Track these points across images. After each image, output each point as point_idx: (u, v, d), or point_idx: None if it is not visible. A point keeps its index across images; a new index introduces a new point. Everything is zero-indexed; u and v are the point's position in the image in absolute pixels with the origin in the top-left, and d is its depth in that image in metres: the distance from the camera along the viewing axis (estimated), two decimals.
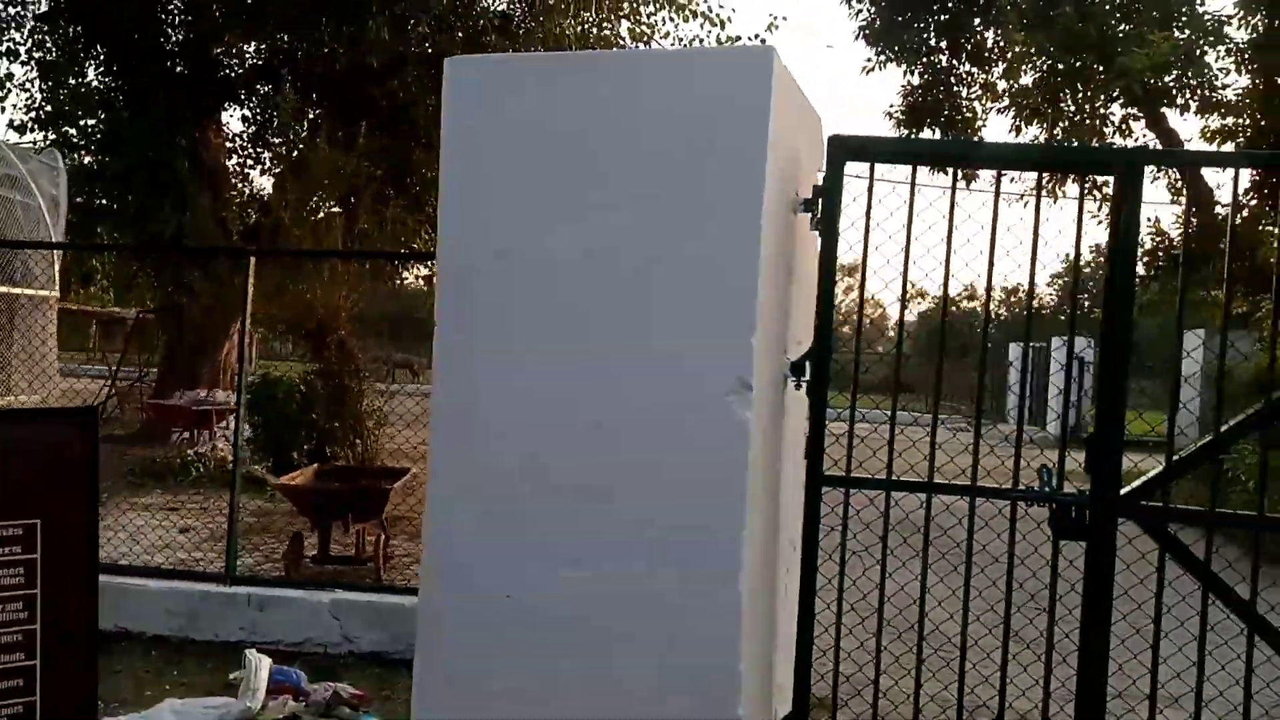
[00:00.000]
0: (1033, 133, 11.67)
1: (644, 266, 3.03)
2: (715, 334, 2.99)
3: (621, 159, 3.04)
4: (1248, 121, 11.54)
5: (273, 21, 13.35)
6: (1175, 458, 3.27)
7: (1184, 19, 10.40)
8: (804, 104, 3.50)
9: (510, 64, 3.16)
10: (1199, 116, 11.71)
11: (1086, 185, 9.76)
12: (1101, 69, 10.17)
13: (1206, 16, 10.65)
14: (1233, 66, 10.85)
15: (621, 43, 15.33)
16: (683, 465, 3.01)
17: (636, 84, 3.05)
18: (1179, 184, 12.43)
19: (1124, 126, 11.85)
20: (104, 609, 5.24)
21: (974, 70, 12.25)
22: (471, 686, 3.11)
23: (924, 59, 12.04)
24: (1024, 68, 11.35)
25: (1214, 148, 11.57)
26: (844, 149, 3.37)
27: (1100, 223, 11.94)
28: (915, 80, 12.27)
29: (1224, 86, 11.40)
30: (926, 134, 12.48)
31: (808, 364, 3.44)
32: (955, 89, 12.41)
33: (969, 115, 12.44)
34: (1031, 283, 3.42)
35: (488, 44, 13.27)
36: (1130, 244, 3.23)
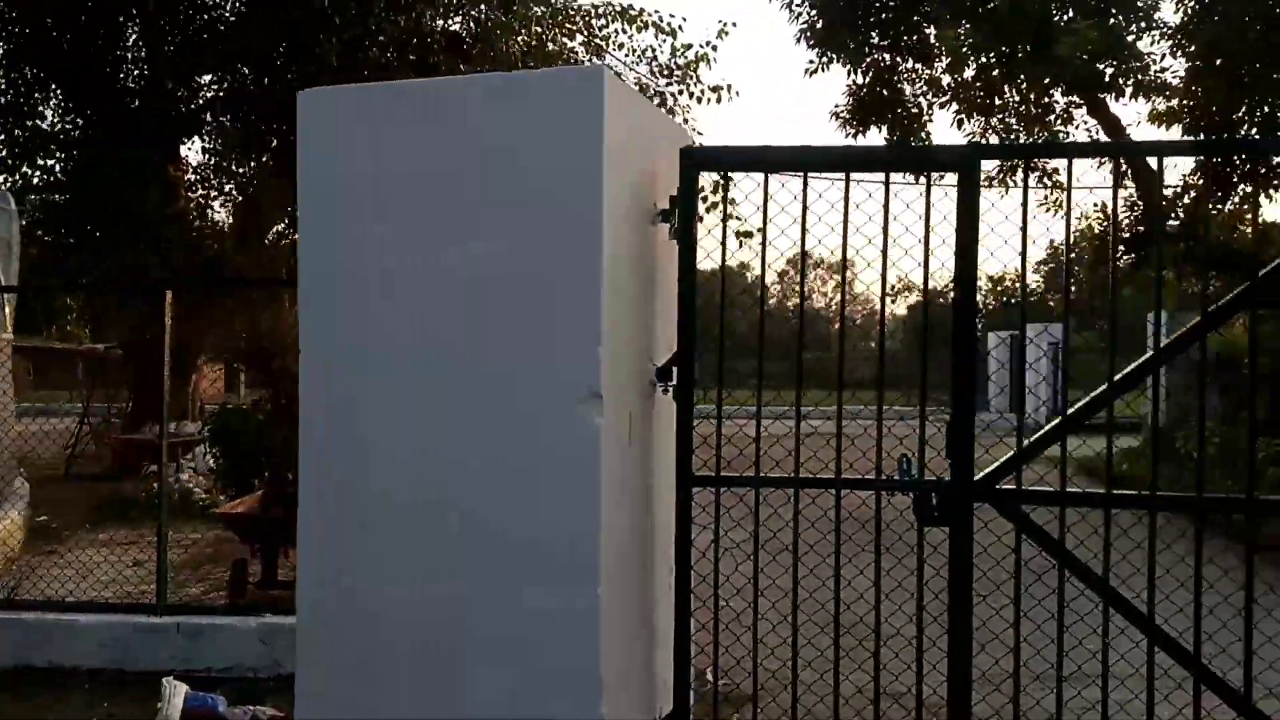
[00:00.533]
0: (973, 126, 11.83)
1: (492, 284, 3.13)
2: (563, 346, 3.08)
3: (466, 180, 3.14)
4: (1190, 104, 11.66)
5: (230, 54, 13.51)
6: (1047, 438, 3.36)
7: (1115, 6, 10.54)
8: (658, 118, 3.61)
9: (356, 94, 3.26)
10: (1141, 100, 11.84)
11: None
12: (1035, 59, 10.30)
13: (1138, 2, 10.80)
14: (1168, 50, 11.00)
15: (574, 56, 15.47)
16: (539, 476, 3.10)
17: (475, 108, 3.15)
18: (1125, 169, 12.58)
19: (1066, 115, 12.00)
20: (34, 646, 5.38)
21: (918, 66, 12.39)
22: (346, 703, 3.20)
23: (867, 58, 12.17)
24: (966, 62, 11.47)
25: (1159, 130, 11.72)
26: (694, 160, 3.48)
27: (1049, 211, 12.07)
28: (860, 80, 12.41)
29: (1162, 70, 11.53)
30: (874, 133, 12.65)
31: (674, 369, 3.55)
32: (899, 86, 12.54)
33: (914, 111, 12.56)
34: (885, 277, 3.52)
35: (437, 65, 13.40)
36: (971, 239, 3.33)
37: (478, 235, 3.13)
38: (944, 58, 11.84)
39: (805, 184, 3.50)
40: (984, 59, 11.18)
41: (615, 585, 3.19)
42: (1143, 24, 10.70)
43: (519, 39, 14.32)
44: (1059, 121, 12.00)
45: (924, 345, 3.49)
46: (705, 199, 9.33)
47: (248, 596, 6.31)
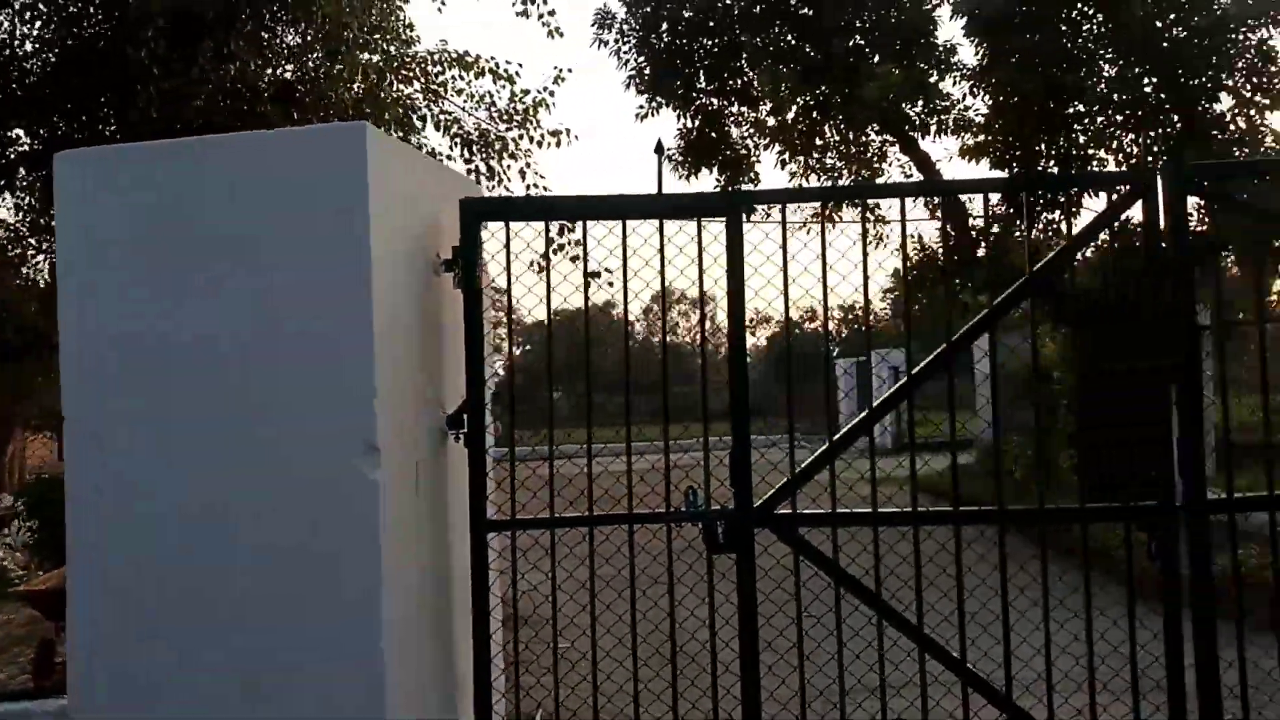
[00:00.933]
0: (795, 166, 12.39)
1: (266, 341, 3.12)
2: (338, 401, 3.09)
3: (231, 239, 3.12)
4: (993, 139, 12.49)
5: (45, 105, 12.86)
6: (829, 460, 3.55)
7: (917, 50, 11.26)
8: (440, 172, 3.68)
9: (114, 154, 3.22)
10: (949, 138, 12.64)
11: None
12: (847, 101, 10.90)
13: (939, 47, 11.58)
14: (968, 90, 11.81)
15: (411, 103, 15.43)
16: (320, 532, 3.08)
17: (237, 166, 3.15)
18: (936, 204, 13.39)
19: (881, 153, 12.71)
20: None
21: (743, 110, 12.90)
22: None
23: (694, 103, 12.60)
24: (787, 104, 12.02)
25: (969, 164, 12.53)
26: (475, 211, 3.56)
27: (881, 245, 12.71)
28: (689, 124, 12.83)
29: (965, 109, 12.37)
30: (705, 174, 13.08)
31: (465, 416, 3.59)
32: (726, 129, 13.02)
33: (742, 153, 13.07)
34: (665, 316, 3.67)
35: (266, 115, 13.13)
36: (738, 283, 3.52)
37: (249, 293, 3.11)
38: (766, 101, 12.35)
39: (584, 232, 3.63)
40: (802, 101, 11.73)
41: (406, 635, 3.19)
42: (943, 66, 11.47)
43: (353, 87, 14.20)
44: (875, 159, 12.71)
45: (703, 380, 3.65)
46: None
47: (54, 677, 5.94)
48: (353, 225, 3.06)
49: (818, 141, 12.45)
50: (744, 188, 13.22)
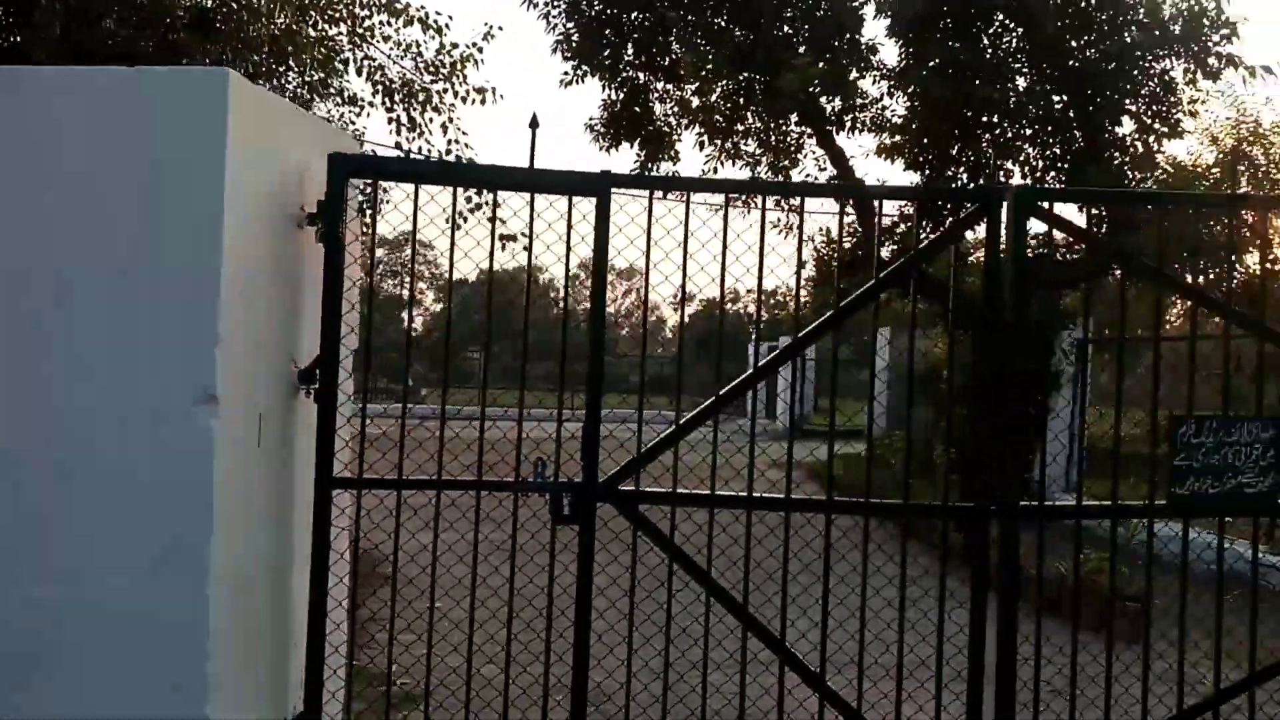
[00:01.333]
0: (713, 150, 12.50)
1: (114, 282, 3.08)
2: (179, 347, 3.07)
3: (84, 175, 3.07)
4: (909, 141, 12.74)
5: None
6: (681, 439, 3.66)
7: (839, 46, 11.43)
8: (310, 124, 3.66)
9: None
10: (867, 135, 12.88)
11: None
12: (768, 89, 11.01)
13: (861, 45, 11.78)
14: (886, 90, 12.06)
15: (334, 45, 15.06)
16: (154, 478, 3.07)
17: (97, 99, 3.10)
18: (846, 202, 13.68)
19: (799, 144, 12.91)
20: None
21: (669, 87, 12.94)
22: None
23: (621, 74, 12.59)
24: (712, 85, 12.09)
25: (885, 163, 12.79)
26: (344, 167, 3.55)
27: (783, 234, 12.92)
28: (614, 95, 12.81)
29: (884, 109, 12.61)
30: (626, 148, 13.11)
31: (317, 372, 3.60)
32: (651, 105, 13.05)
33: (665, 131, 13.13)
34: (529, 289, 3.73)
35: (178, 43, 12.69)
36: (602, 260, 3.59)
37: (98, 233, 3.07)
38: (692, 81, 12.39)
39: (455, 198, 3.66)
40: (725, 85, 11.82)
41: (237, 587, 3.21)
42: (864, 64, 11.67)
43: (276, 21, 13.79)
44: (794, 149, 12.90)
45: (563, 355, 3.71)
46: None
47: None
48: (208, 170, 3.04)
49: (739, 127, 12.57)
50: (663, 166, 13.30)
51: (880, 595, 3.77)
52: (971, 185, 10.98)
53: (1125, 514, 3.86)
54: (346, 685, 3.69)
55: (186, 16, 13.38)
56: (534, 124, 14.17)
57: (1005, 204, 3.67)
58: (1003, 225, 3.67)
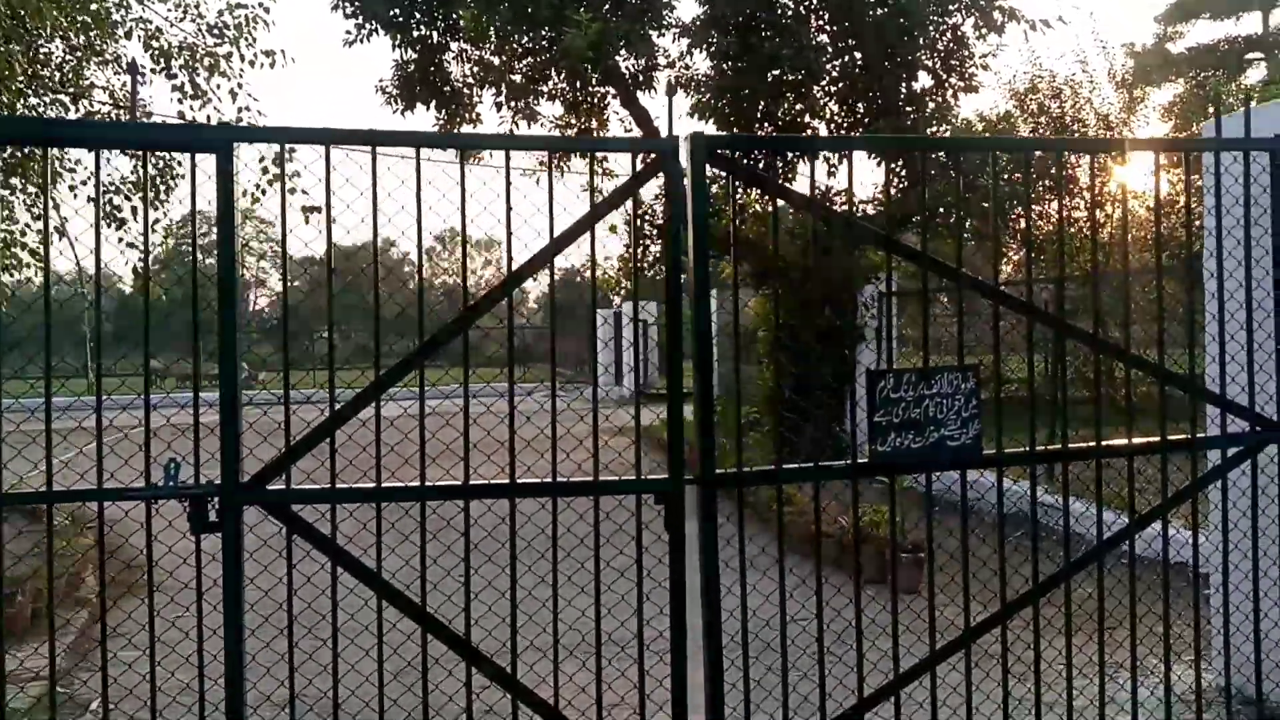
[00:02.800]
0: (510, 112, 11.98)
1: None
2: None
3: None
4: (721, 101, 12.53)
5: None
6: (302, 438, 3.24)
7: (630, 1, 11.06)
8: None
9: None
10: (680, 96, 12.64)
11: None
12: (552, 47, 10.57)
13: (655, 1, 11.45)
14: (685, 49, 11.79)
15: (104, 8, 13.79)
16: None
17: None
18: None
19: (602, 104, 12.53)
20: None
21: (467, 47, 12.33)
22: None
23: (413, 33, 11.90)
24: (505, 44, 11.56)
25: (699, 122, 12.57)
26: None
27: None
28: (406, 55, 12.10)
29: (686, 68, 12.38)
30: (421, 110, 12.43)
31: None
32: (447, 66, 12.41)
33: (464, 91, 12.52)
34: (193, 246, 3.23)
35: None
36: (229, 220, 3.13)
37: None
38: (484, 41, 11.82)
39: (97, 162, 3.12)
40: (516, 45, 11.31)
41: None
42: (656, 22, 11.34)
43: None
44: (597, 109, 12.51)
45: (195, 334, 3.24)
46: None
47: None
48: None
49: (543, 89, 12.08)
50: (464, 128, 12.70)
51: (625, 578, 3.47)
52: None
53: (827, 475, 3.67)
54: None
55: None
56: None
57: (687, 153, 3.40)
58: (686, 179, 3.40)
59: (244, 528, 3.20)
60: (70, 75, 12.66)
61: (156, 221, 10.76)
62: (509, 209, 3.30)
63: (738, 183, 3.77)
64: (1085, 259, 13.10)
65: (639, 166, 3.41)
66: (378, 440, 3.28)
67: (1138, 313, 7.92)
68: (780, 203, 4.52)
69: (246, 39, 14.65)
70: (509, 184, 3.32)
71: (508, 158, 3.34)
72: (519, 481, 3.33)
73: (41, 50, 12.28)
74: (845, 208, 12.75)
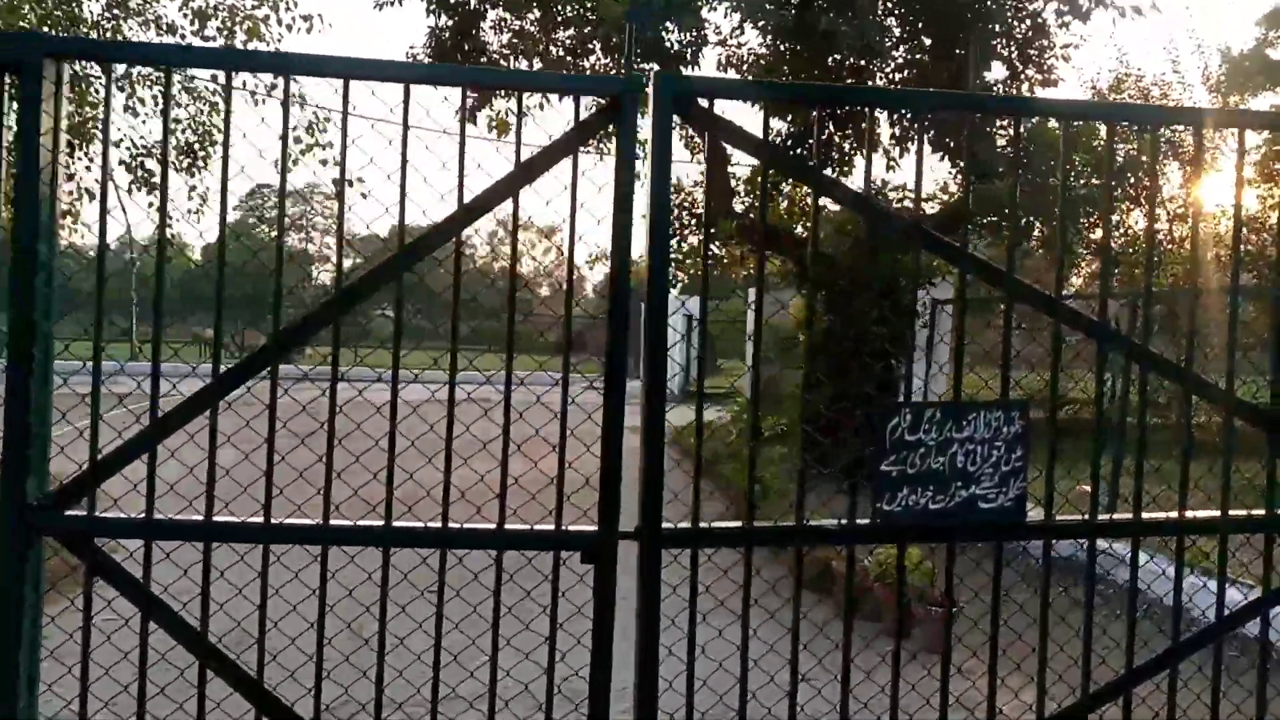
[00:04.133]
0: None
1: None
2: None
3: None
4: (770, 78, 11.63)
5: None
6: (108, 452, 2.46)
7: None
8: None
9: None
10: (731, 72, 11.76)
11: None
12: (591, 14, 9.79)
13: None
14: (737, 25, 10.90)
15: None
16: None
17: None
18: (694, 141, 12.53)
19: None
20: None
21: (506, 16, 11.58)
22: None
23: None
24: (551, 13, 10.81)
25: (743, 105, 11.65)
26: None
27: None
28: (441, 22, 11.38)
29: (740, 45, 11.50)
30: None
31: None
32: (481, 35, 11.66)
33: (498, 61, 11.74)
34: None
35: None
36: (29, 159, 2.37)
37: None
38: (515, 8, 11.06)
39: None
40: (553, 12, 10.53)
41: None
42: None
43: None
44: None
45: (99, 314, 2.48)
46: None
47: None
48: None
49: (585, 62, 11.27)
50: (497, 102, 11.94)
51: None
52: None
53: (810, 539, 2.73)
54: None
55: None
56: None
57: (653, 97, 2.56)
58: (646, 129, 2.56)
59: (40, 560, 2.45)
60: (109, 34, 12.26)
61: None
62: (404, 160, 2.49)
63: (730, 147, 2.90)
64: (1175, 270, 11.89)
65: (585, 115, 2.57)
66: (211, 461, 2.49)
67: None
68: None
69: (284, 3, 14.15)
70: (406, 132, 2.51)
71: (407, 92, 2.51)
72: (394, 526, 2.51)
73: (80, 9, 11.91)
74: (880, 189, 11.71)
